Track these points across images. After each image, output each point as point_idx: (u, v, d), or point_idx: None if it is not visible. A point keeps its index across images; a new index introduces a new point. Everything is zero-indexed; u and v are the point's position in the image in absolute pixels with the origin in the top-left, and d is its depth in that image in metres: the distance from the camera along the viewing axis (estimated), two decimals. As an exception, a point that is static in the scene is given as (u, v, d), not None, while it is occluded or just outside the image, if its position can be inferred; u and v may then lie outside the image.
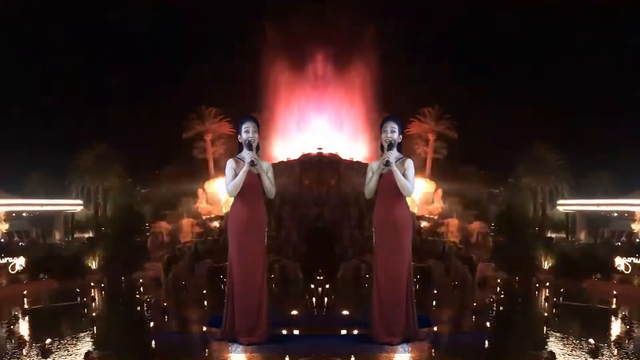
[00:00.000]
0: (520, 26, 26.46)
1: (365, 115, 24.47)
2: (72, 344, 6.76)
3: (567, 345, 6.75)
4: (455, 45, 26.06)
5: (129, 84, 25.93)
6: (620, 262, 13.43)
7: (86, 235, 21.31)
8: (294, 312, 7.38)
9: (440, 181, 22.40)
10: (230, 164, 6.17)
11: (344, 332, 6.45)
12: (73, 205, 22.01)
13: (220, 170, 21.96)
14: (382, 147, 6.08)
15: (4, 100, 23.48)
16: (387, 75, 23.33)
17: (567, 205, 22.49)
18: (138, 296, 10.16)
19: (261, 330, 5.92)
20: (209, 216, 19.69)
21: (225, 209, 19.29)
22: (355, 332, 6.35)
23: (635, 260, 13.55)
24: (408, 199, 6.18)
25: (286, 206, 17.76)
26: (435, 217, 19.14)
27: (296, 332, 6.45)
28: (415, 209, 19.24)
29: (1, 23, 23.26)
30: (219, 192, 21.16)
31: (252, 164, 5.93)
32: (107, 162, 22.83)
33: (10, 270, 13.37)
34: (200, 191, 21.49)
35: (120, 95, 25.89)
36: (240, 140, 6.16)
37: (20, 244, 18.73)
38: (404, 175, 5.95)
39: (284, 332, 6.37)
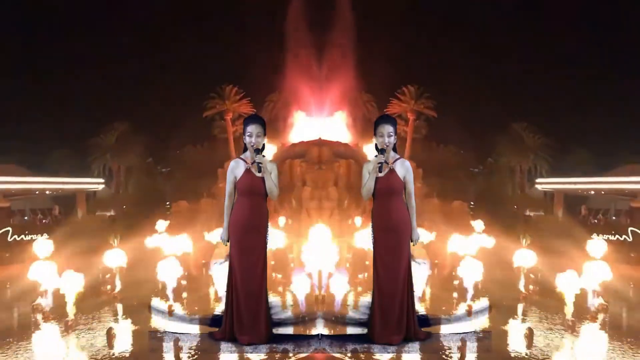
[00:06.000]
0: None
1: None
2: (94, 321, 6.83)
3: (544, 322, 6.78)
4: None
5: (149, 63, 26.05)
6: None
7: (108, 214, 21.53)
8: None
9: (420, 161, 22.15)
10: (231, 165, 6.18)
11: (344, 332, 6.42)
12: (95, 184, 22.20)
13: (240, 148, 21.87)
14: (377, 148, 6.07)
15: (28, 81, 23.74)
16: (367, 53, 23.08)
17: (545, 184, 22.36)
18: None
19: (261, 330, 5.88)
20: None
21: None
22: (356, 332, 6.33)
23: (612, 238, 13.50)
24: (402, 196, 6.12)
25: (306, 187, 17.75)
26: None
27: (296, 332, 6.42)
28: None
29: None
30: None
31: (259, 169, 5.92)
32: (128, 141, 22.92)
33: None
34: (220, 171, 21.49)
35: (142, 75, 25.99)
36: (245, 142, 6.14)
37: (43, 221, 19.00)
38: (404, 178, 5.99)
39: (284, 332, 6.35)
